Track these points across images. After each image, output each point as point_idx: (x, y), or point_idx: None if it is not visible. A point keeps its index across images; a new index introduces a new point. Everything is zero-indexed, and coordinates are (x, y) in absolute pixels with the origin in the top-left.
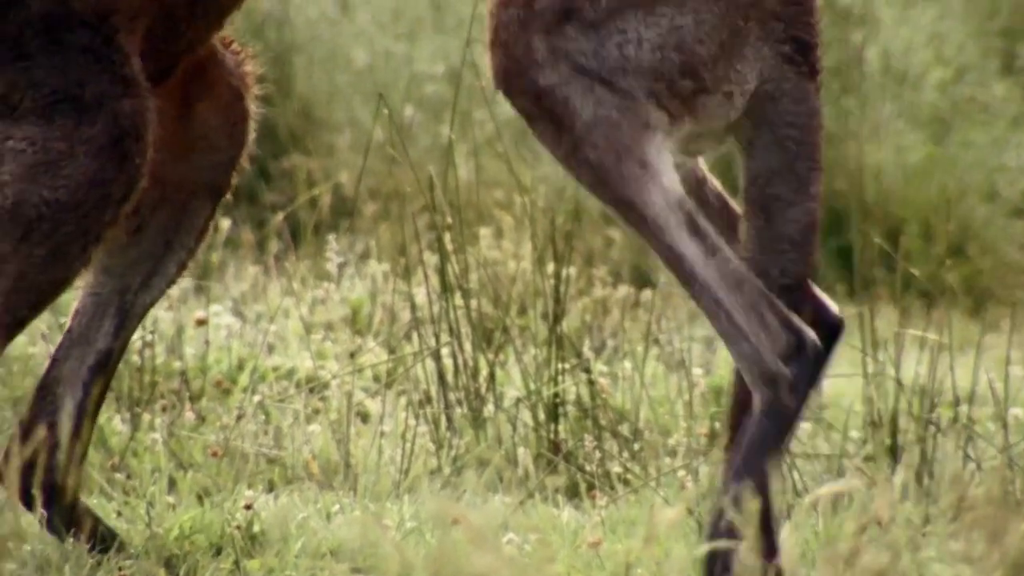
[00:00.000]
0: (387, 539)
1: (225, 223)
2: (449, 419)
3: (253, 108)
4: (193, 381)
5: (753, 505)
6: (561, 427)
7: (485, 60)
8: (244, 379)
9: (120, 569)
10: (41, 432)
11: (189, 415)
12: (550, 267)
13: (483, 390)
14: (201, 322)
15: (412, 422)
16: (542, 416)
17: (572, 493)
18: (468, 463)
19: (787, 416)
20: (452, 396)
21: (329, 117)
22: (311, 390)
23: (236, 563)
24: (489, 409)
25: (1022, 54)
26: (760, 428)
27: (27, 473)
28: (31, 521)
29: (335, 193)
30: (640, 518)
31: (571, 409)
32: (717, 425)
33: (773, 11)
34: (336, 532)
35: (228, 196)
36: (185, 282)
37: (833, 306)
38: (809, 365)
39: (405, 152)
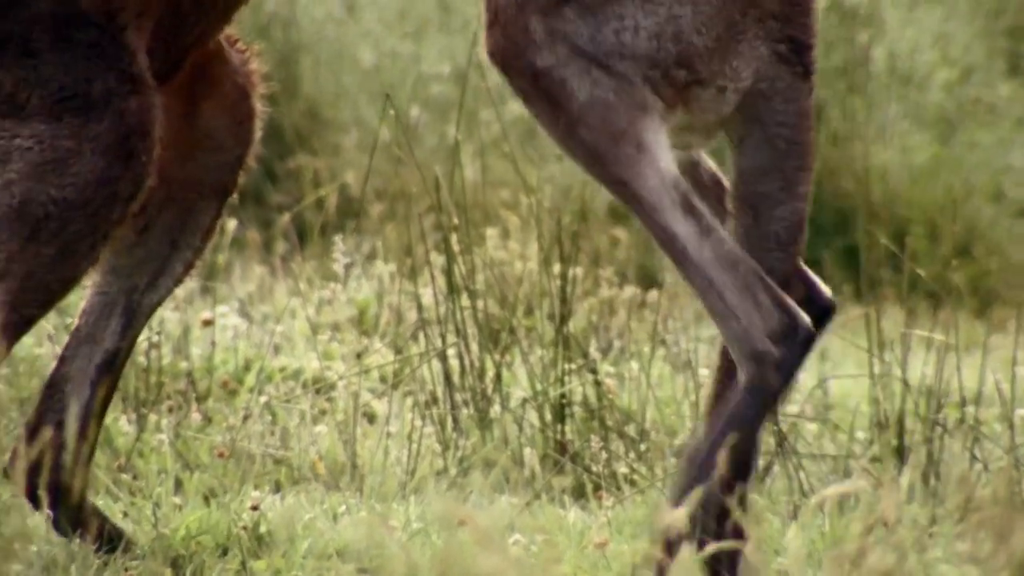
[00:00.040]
0: (393, 540)
1: (231, 224)
2: (455, 420)
3: (259, 107)
4: (199, 382)
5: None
6: (567, 428)
7: (486, 47)
8: (250, 380)
9: (127, 570)
10: (47, 432)
11: (195, 416)
12: (556, 268)
13: (489, 391)
14: (207, 323)
15: (418, 423)
16: (548, 417)
17: (578, 494)
18: (474, 464)
19: (770, 394)
20: (458, 397)
21: (335, 117)
22: (317, 391)
23: (242, 564)
24: (495, 410)
25: None
26: (742, 403)
27: (33, 473)
28: (37, 522)
29: (341, 193)
30: (646, 519)
31: (577, 410)
32: None
33: (771, 10)
34: (342, 533)
35: (234, 196)
36: (191, 283)
37: (825, 288)
38: (799, 347)
39: (411, 152)
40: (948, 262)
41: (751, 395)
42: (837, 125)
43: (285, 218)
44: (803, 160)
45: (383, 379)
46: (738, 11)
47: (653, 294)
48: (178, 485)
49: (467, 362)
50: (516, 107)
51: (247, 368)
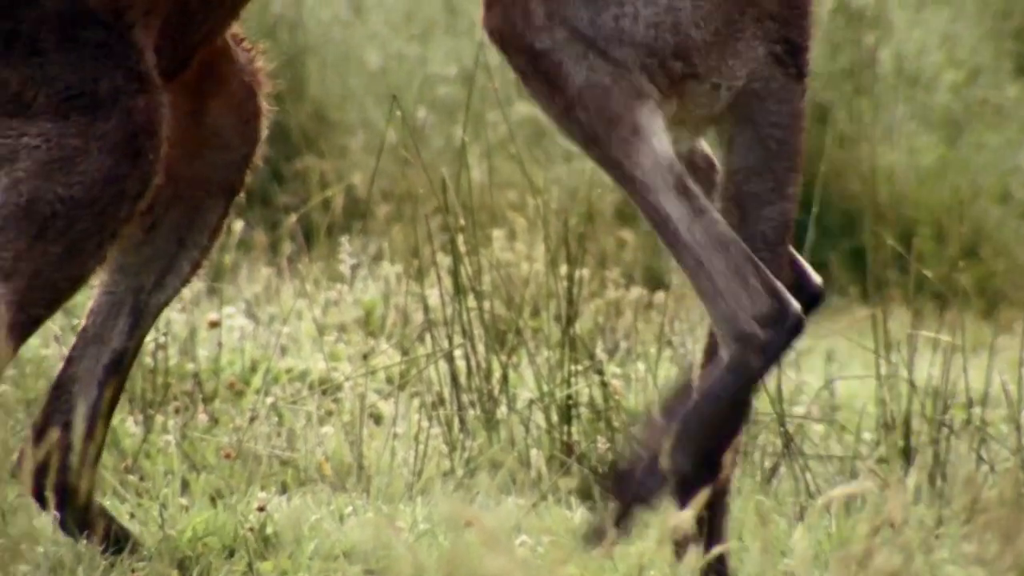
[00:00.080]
0: (400, 541)
1: (238, 225)
2: (462, 421)
3: (265, 105)
4: (206, 383)
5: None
6: (574, 429)
7: (498, 61)
8: (257, 381)
9: (133, 571)
10: (54, 433)
11: (202, 417)
12: (563, 269)
13: (496, 392)
14: (214, 324)
15: (425, 424)
16: (555, 418)
17: (585, 495)
18: (481, 465)
19: (750, 375)
20: (465, 398)
21: (342, 119)
22: (324, 392)
23: (249, 565)
24: (502, 411)
25: None
26: (720, 381)
27: (40, 474)
28: (44, 522)
29: (348, 195)
30: (653, 520)
31: (584, 411)
32: None
33: (770, 10)
34: (349, 534)
35: (241, 197)
36: (198, 284)
37: (815, 275)
38: (786, 333)
39: (418, 154)
40: (955, 263)
41: (730, 374)
42: (844, 126)
43: (292, 219)
44: (793, 161)
45: (389, 380)
46: (737, 9)
47: (660, 295)
48: (184, 486)
49: (473, 363)
50: (523, 109)
51: (253, 369)
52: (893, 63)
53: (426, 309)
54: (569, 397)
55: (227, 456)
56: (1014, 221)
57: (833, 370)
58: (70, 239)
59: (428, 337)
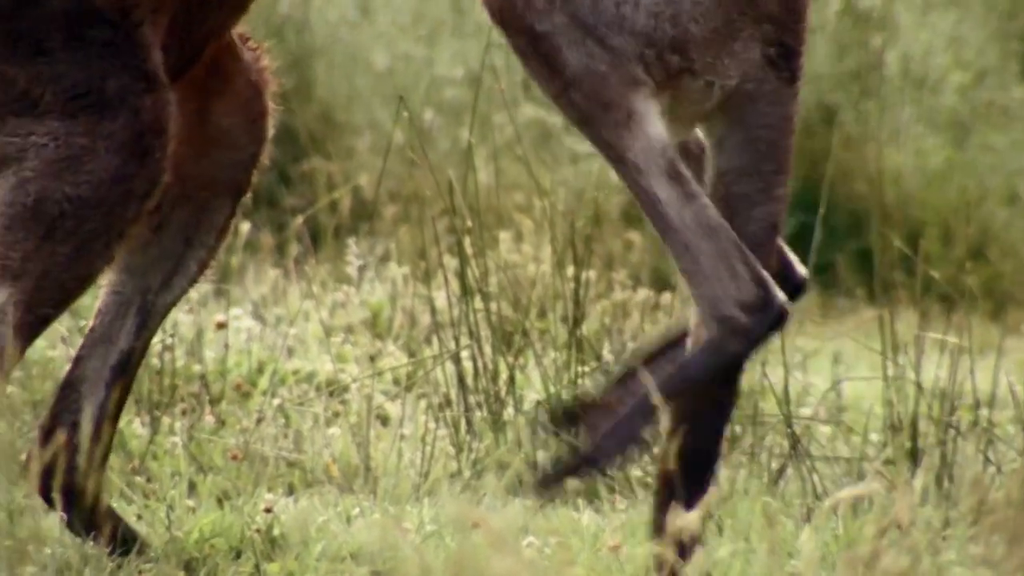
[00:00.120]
0: (407, 542)
1: (245, 226)
2: (469, 422)
3: (271, 104)
4: (213, 384)
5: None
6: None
7: (505, 63)
8: (264, 382)
9: (140, 572)
10: (62, 434)
11: (209, 418)
12: (570, 270)
13: (503, 393)
14: (221, 325)
15: (432, 425)
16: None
17: (592, 496)
18: (488, 466)
19: (724, 359)
20: (472, 399)
21: (349, 120)
22: (331, 393)
23: (256, 566)
24: (509, 412)
25: None
26: (695, 358)
27: (48, 475)
28: (51, 523)
29: (355, 196)
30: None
31: None
32: (738, 428)
33: (768, 13)
34: (356, 535)
35: (248, 199)
36: (205, 285)
37: (800, 266)
38: (769, 323)
39: (425, 155)
40: (962, 265)
41: (706, 354)
42: (851, 128)
43: (299, 221)
44: (782, 164)
45: (396, 381)
46: (736, 9)
47: (666, 296)
48: (192, 487)
49: (480, 365)
50: (529, 111)
51: (260, 371)
52: (900, 65)
53: (433, 311)
54: (576, 398)
55: (234, 457)
56: (1021, 222)
57: (840, 371)
58: (78, 239)
59: (435, 338)
